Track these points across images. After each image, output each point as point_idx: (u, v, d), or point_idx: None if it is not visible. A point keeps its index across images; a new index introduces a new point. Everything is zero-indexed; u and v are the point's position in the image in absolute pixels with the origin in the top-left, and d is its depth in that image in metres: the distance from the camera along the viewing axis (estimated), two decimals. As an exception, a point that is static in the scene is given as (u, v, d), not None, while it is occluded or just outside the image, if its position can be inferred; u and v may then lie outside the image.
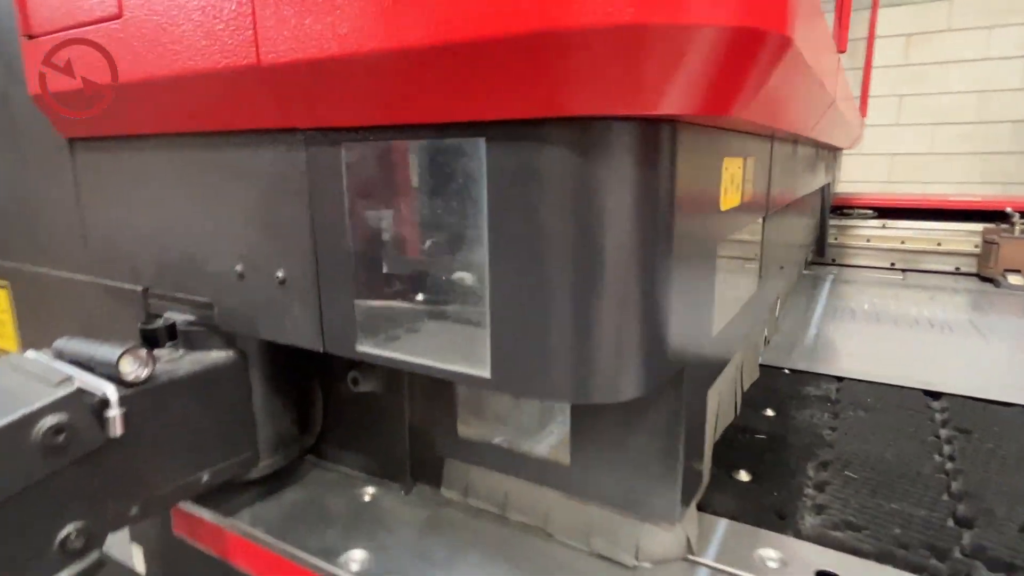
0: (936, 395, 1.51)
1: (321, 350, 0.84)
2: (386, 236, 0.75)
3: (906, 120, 5.58)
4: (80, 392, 0.79)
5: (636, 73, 0.56)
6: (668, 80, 0.57)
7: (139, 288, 1.05)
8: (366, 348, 0.80)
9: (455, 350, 0.74)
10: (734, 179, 0.93)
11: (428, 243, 0.72)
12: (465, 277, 0.69)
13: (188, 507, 1.05)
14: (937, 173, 5.63)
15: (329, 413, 1.18)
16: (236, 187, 0.87)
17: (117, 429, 0.81)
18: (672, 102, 0.58)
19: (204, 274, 0.94)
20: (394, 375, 1.05)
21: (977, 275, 2.86)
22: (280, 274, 0.85)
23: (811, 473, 1.14)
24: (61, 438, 0.76)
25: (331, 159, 0.76)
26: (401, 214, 0.73)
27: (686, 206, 0.71)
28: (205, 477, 0.96)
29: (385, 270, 0.77)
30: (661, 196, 0.66)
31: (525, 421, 1.03)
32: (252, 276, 0.89)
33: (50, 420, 0.75)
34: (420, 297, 0.75)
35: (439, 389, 1.03)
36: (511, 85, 0.59)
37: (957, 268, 2.93)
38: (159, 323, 0.98)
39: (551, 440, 0.99)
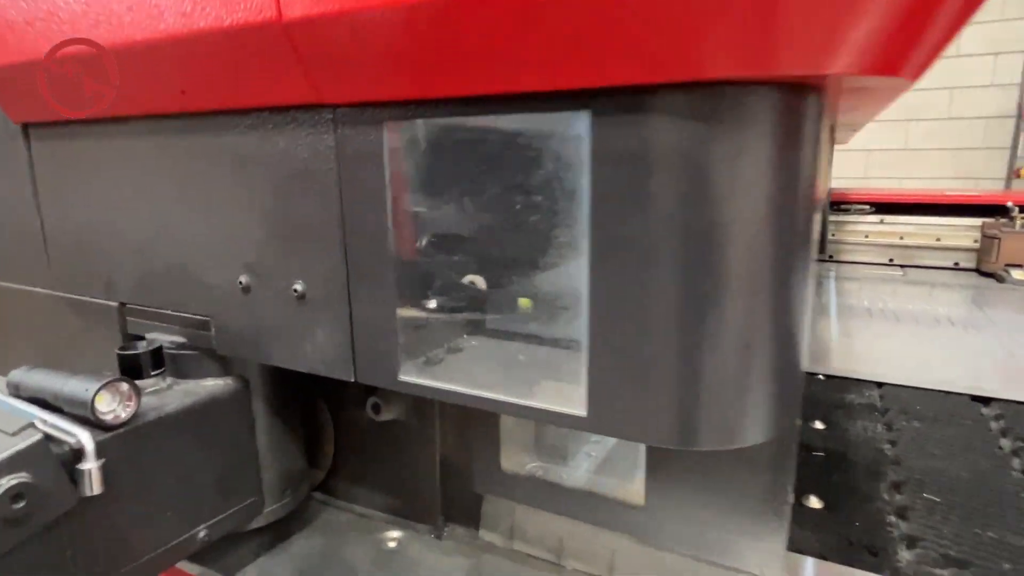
0: (985, 400, 1.42)
1: (352, 380, 0.68)
2: (443, 239, 0.60)
3: (880, 116, 5.61)
4: (46, 441, 0.62)
5: (809, 14, 0.42)
6: (851, 24, 0.43)
7: (114, 303, 0.87)
8: (411, 378, 0.65)
9: (532, 382, 0.59)
10: (825, 167, 0.81)
11: (501, 248, 0.57)
12: (554, 291, 0.55)
13: (180, 563, 0.88)
14: (911, 169, 5.70)
15: (341, 443, 1.02)
16: (241, 180, 0.71)
17: (94, 486, 0.64)
18: (846, 56, 0.45)
19: (198, 286, 0.77)
20: (423, 400, 0.89)
21: (976, 270, 2.82)
22: (298, 287, 0.69)
23: (886, 496, 1.03)
24: (22, 505, 0.59)
25: (370, 143, 0.60)
26: (465, 211, 0.58)
27: (817, 198, 0.57)
28: (202, 533, 0.79)
29: (439, 282, 0.62)
30: (802, 186, 0.52)
31: (586, 452, 0.89)
32: (261, 289, 0.73)
33: (7, 482, 0.58)
34: (485, 316, 0.60)
35: (477, 415, 0.88)
36: (632, 39, 0.45)
37: (956, 263, 2.89)
38: (141, 347, 0.81)
39: (619, 474, 0.85)
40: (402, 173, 0.60)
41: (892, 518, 0.97)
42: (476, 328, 0.76)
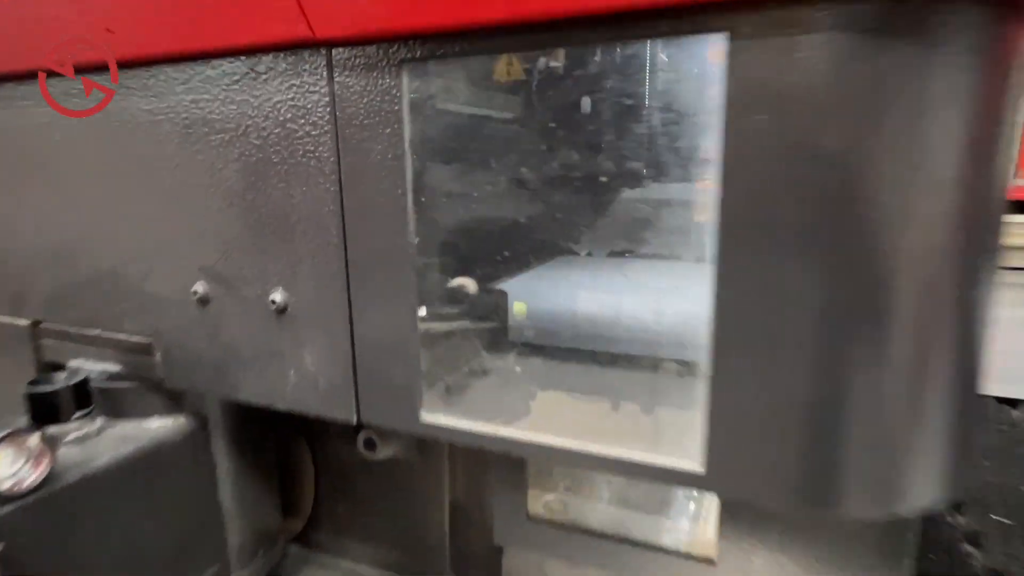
0: (1012, 403, 1.33)
1: (353, 422, 0.51)
2: (489, 226, 0.43)
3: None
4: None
5: None
6: None
7: (25, 322, 0.67)
8: (439, 419, 0.48)
9: (618, 424, 0.43)
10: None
11: (574, 236, 0.41)
12: (657, 299, 0.39)
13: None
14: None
15: (325, 486, 0.84)
16: (195, 154, 0.53)
17: (-15, 588, 0.45)
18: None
19: (136, 299, 0.60)
20: (429, 433, 0.72)
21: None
22: (277, 296, 0.51)
23: (950, 519, 0.91)
24: None
25: (381, 93, 0.43)
26: (521, 188, 0.41)
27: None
28: (148, 623, 0.60)
29: (477, 287, 0.45)
30: (1001, 151, 0.38)
31: (634, 494, 0.74)
32: (224, 300, 0.55)
33: None
34: (552, 335, 0.44)
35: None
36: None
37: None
38: (60, 380, 0.61)
39: (678, 522, 0.70)
40: (429, 136, 0.43)
41: (967, 547, 0.85)
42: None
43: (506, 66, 0.57)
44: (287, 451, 0.83)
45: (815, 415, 0.38)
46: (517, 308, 0.66)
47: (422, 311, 0.57)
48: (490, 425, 0.46)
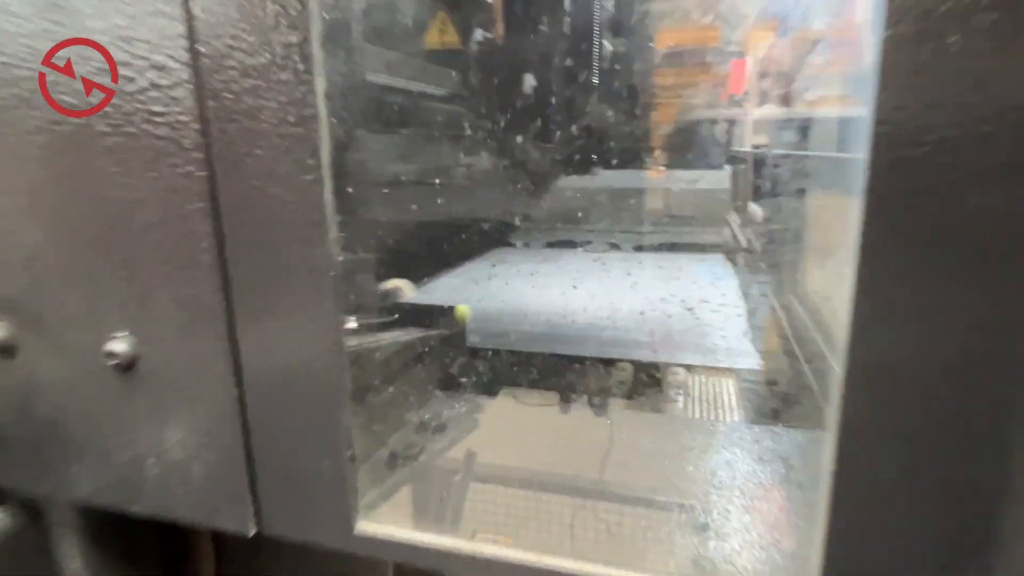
0: None
1: (250, 532, 0.34)
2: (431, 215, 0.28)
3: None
4: None
5: None
6: None
7: None
8: (384, 529, 0.31)
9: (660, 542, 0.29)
10: None
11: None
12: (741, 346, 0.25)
13: None
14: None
15: (226, 570, 0.64)
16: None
17: None
18: None
19: None
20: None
21: None
22: (118, 346, 0.33)
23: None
24: None
25: (274, 14, 0.26)
26: (515, 156, 0.26)
27: None
28: None
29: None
30: None
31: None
32: (36, 351, 0.36)
33: None
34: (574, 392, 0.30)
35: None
36: None
37: None
38: None
39: None
40: (357, 87, 0.26)
41: None
42: (449, 378, 0.45)
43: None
44: (175, 529, 0.64)
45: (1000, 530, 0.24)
46: (460, 311, 0.51)
47: (351, 322, 0.41)
48: (463, 540, 0.30)
